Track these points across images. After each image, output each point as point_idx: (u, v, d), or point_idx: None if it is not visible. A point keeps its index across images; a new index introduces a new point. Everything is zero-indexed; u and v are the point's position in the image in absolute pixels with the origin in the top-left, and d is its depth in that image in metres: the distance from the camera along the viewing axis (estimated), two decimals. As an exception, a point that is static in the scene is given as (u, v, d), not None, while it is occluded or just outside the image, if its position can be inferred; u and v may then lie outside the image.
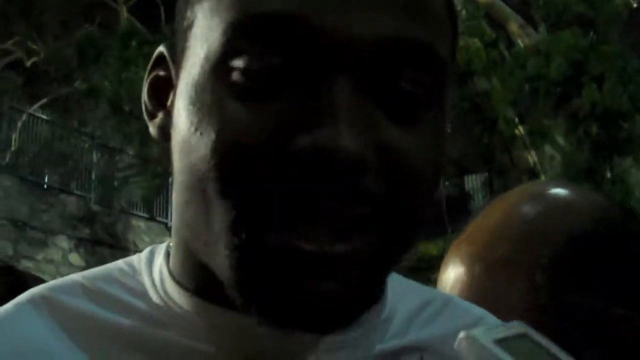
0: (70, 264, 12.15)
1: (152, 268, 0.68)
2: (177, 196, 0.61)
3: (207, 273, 0.59)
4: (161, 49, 0.68)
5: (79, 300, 0.65)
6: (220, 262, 0.56)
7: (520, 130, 10.41)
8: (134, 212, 14.37)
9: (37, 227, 11.91)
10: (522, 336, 0.57)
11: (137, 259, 0.70)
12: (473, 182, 16.29)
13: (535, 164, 10.45)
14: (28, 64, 18.82)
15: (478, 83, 10.96)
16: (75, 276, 0.69)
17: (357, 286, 0.55)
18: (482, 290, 0.94)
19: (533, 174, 10.31)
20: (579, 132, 9.56)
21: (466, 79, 11.26)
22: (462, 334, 0.55)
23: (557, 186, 1.05)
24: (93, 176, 14.44)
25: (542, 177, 10.36)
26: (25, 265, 11.31)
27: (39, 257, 11.82)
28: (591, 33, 9.64)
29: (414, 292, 0.75)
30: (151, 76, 0.68)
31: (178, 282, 0.65)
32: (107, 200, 14.00)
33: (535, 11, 11.76)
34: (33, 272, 10.93)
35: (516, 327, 0.58)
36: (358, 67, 0.55)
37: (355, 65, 0.55)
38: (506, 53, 11.23)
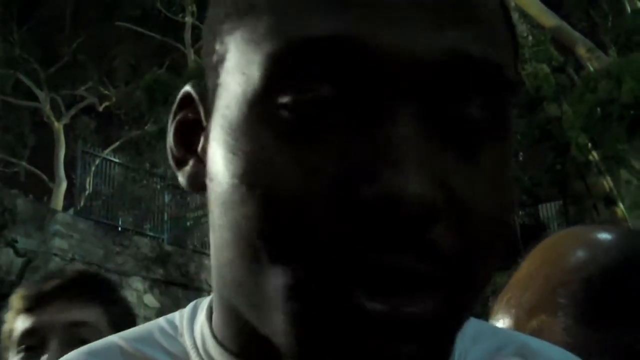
0: (145, 305, 12.30)
1: (194, 327, 0.64)
2: (218, 253, 0.55)
3: (255, 336, 0.53)
4: (187, 88, 0.61)
5: None
6: (277, 328, 0.49)
7: (594, 155, 10.21)
8: (207, 251, 14.47)
9: (111, 269, 12.08)
10: None
11: (180, 316, 0.66)
12: (548, 210, 16.06)
13: (611, 189, 10.23)
14: (100, 108, 19.35)
15: (548, 109, 10.82)
16: (114, 337, 0.65)
17: (435, 348, 0.49)
18: None
19: (609, 200, 10.09)
20: (656, 155, 9.30)
21: (536, 105, 11.12)
22: None
23: (600, 230, 1.01)
24: (165, 217, 14.66)
25: (619, 204, 10.14)
26: (101, 307, 11.48)
27: (115, 299, 11.96)
28: (663, 53, 9.40)
29: (488, 336, 0.68)
30: (177, 119, 0.61)
31: (221, 344, 0.60)
32: (180, 241, 14.16)
33: (604, 34, 11.59)
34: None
35: None
36: (423, 93, 0.48)
37: (420, 90, 0.48)
38: (576, 77, 11.07)
